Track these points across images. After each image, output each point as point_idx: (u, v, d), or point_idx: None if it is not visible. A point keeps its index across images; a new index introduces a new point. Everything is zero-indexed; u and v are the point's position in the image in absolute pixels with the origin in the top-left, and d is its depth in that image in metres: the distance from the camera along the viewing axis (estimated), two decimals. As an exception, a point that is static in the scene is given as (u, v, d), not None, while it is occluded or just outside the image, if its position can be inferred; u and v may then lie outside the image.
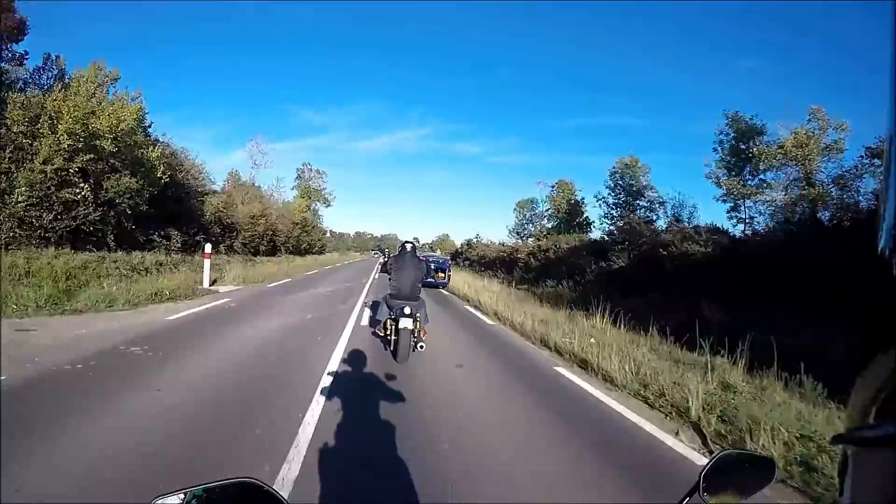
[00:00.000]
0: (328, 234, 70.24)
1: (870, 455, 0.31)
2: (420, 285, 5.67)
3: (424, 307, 5.68)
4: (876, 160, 13.71)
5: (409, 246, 5.83)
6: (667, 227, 18.82)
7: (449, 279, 17.04)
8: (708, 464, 0.77)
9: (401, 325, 5.24)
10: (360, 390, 4.45)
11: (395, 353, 5.41)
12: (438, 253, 27.65)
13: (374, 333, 6.70)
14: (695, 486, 0.75)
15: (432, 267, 14.89)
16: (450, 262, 18.50)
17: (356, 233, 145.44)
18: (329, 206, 58.69)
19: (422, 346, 5.50)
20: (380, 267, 7.35)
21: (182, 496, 0.59)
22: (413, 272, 5.55)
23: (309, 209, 50.86)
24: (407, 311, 5.24)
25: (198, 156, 22.78)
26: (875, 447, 0.31)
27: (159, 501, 0.58)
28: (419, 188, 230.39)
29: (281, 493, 0.63)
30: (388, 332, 5.64)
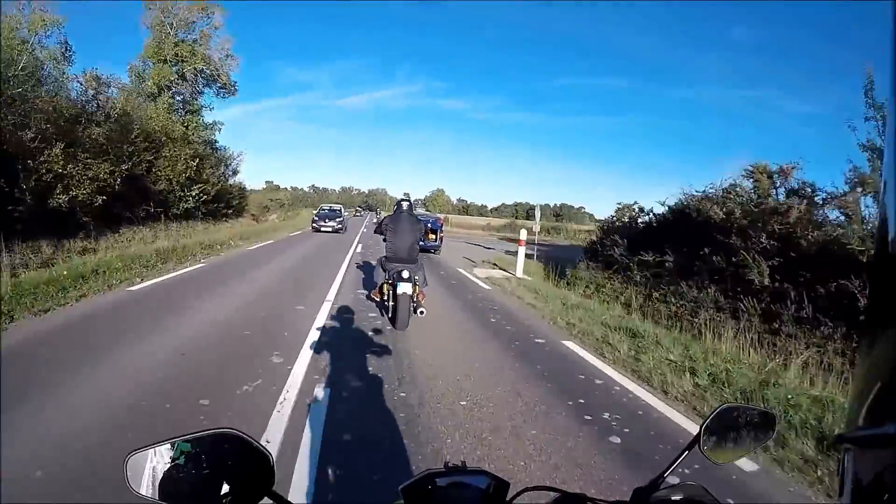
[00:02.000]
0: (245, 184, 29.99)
1: (870, 455, 0.30)
2: (418, 246, 5.36)
3: (423, 270, 5.43)
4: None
5: (405, 204, 5.48)
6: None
7: (441, 241, 14.62)
8: (709, 416, 0.73)
9: (399, 291, 4.96)
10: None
11: (393, 320, 5.17)
12: (423, 210, 20.76)
13: (369, 297, 6.31)
14: (694, 439, 0.72)
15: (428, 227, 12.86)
16: (441, 222, 16.12)
17: (342, 188, 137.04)
18: (228, 94, 24.02)
19: (422, 312, 5.20)
20: (373, 227, 6.46)
21: (163, 449, 0.55)
22: (410, 233, 5.28)
23: (168, 92, 20.34)
24: (405, 274, 4.98)
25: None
26: (875, 447, 0.30)
27: (134, 456, 0.55)
28: (408, 145, 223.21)
29: (261, 443, 0.57)
30: (385, 298, 5.36)
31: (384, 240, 5.35)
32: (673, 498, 0.68)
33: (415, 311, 5.09)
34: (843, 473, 0.32)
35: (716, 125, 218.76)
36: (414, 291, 5.03)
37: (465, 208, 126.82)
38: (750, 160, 8.46)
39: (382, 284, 5.40)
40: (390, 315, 5.19)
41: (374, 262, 6.74)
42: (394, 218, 5.33)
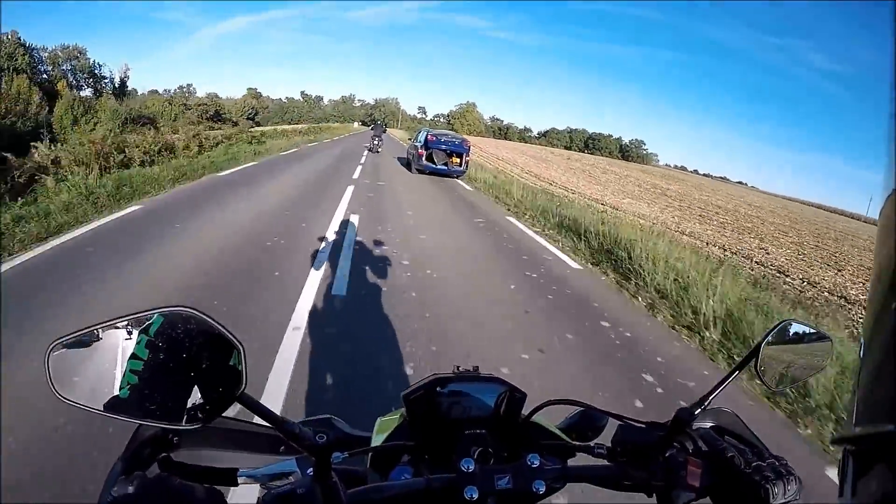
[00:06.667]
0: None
1: (870, 455, 0.30)
2: (381, 132, 21.02)
3: (384, 141, 21.10)
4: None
5: (379, 122, 25.34)
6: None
7: (467, 166, 14.14)
8: (768, 332, 0.66)
9: (374, 143, 19.93)
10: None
11: (373, 151, 19.61)
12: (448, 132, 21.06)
13: (369, 149, 20.02)
14: (749, 355, 0.65)
15: (442, 149, 13.73)
16: (468, 145, 14.64)
17: (342, 97, 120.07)
18: None
19: (381, 149, 20.04)
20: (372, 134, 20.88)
21: (97, 335, 0.41)
22: (380, 131, 20.66)
23: None
24: (377, 137, 20.09)
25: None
26: (875, 446, 0.30)
27: (59, 350, 0.41)
28: (425, 58, 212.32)
29: (218, 321, 0.44)
30: (371, 146, 20.03)
31: (372, 129, 21.43)
32: (702, 425, 0.67)
33: (378, 150, 20.02)
34: (844, 473, 0.32)
35: (742, 70, 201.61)
36: (379, 142, 20.19)
37: (503, 130, 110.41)
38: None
39: (371, 144, 20.45)
40: (373, 150, 19.99)
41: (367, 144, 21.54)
42: (375, 126, 21.68)
